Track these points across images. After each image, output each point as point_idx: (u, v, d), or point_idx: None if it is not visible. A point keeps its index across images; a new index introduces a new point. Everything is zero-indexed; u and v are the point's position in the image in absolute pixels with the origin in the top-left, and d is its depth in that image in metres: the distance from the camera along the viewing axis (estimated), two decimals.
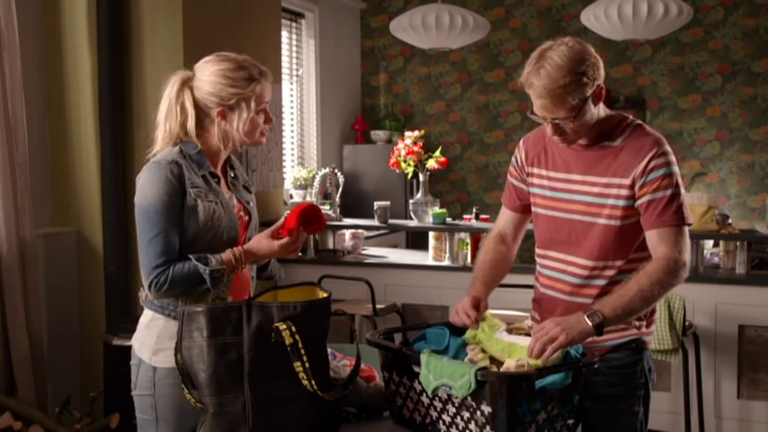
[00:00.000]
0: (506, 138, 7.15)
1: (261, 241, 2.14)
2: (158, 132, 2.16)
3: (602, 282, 2.20)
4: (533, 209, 2.35)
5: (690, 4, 5.38)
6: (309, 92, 6.78)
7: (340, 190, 5.51)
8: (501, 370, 1.98)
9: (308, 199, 5.89)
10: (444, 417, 1.99)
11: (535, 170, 2.33)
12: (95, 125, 3.99)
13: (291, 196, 6.02)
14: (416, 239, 6.50)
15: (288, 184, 6.01)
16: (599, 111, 2.15)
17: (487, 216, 5.08)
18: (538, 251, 2.35)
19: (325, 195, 5.85)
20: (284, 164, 5.70)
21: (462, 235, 4.76)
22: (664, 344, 3.83)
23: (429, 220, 4.89)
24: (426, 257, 4.92)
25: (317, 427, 2.00)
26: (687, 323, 3.96)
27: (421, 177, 4.99)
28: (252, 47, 4.13)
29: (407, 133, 4.99)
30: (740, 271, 4.27)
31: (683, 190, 2.14)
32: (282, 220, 2.15)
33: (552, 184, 2.28)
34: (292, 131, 6.59)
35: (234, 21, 4.51)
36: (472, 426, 1.92)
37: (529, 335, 2.07)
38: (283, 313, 1.91)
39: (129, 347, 2.20)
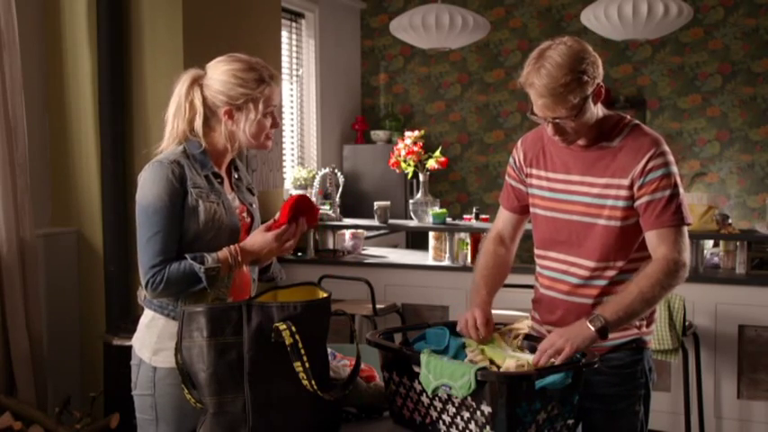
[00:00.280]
0: (506, 138, 7.15)
1: (255, 236, 2.14)
2: (166, 129, 2.17)
3: (603, 282, 2.20)
4: (532, 210, 2.35)
5: (690, 4, 5.38)
6: (309, 92, 6.78)
7: (340, 190, 5.51)
8: (501, 370, 1.99)
9: None
10: (444, 417, 1.99)
11: (534, 171, 2.32)
12: (95, 125, 3.99)
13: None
14: (416, 239, 6.50)
15: (288, 184, 6.00)
16: (598, 111, 2.16)
17: (487, 216, 5.07)
18: (537, 252, 2.35)
19: (326, 195, 5.85)
20: (284, 164, 5.70)
21: (462, 235, 4.76)
22: (664, 344, 3.83)
23: (429, 220, 4.89)
24: (426, 257, 4.92)
25: (317, 427, 2.00)
26: (687, 323, 3.96)
27: (421, 177, 4.99)
28: (252, 47, 4.14)
29: (407, 133, 4.99)
30: (740, 271, 4.27)
31: (681, 190, 2.14)
32: (276, 216, 2.15)
33: (551, 184, 2.28)
34: (292, 131, 6.59)
35: (234, 21, 4.51)
36: (472, 426, 1.92)
37: (533, 351, 2.08)
38: (283, 313, 1.91)
39: (129, 347, 2.20)
